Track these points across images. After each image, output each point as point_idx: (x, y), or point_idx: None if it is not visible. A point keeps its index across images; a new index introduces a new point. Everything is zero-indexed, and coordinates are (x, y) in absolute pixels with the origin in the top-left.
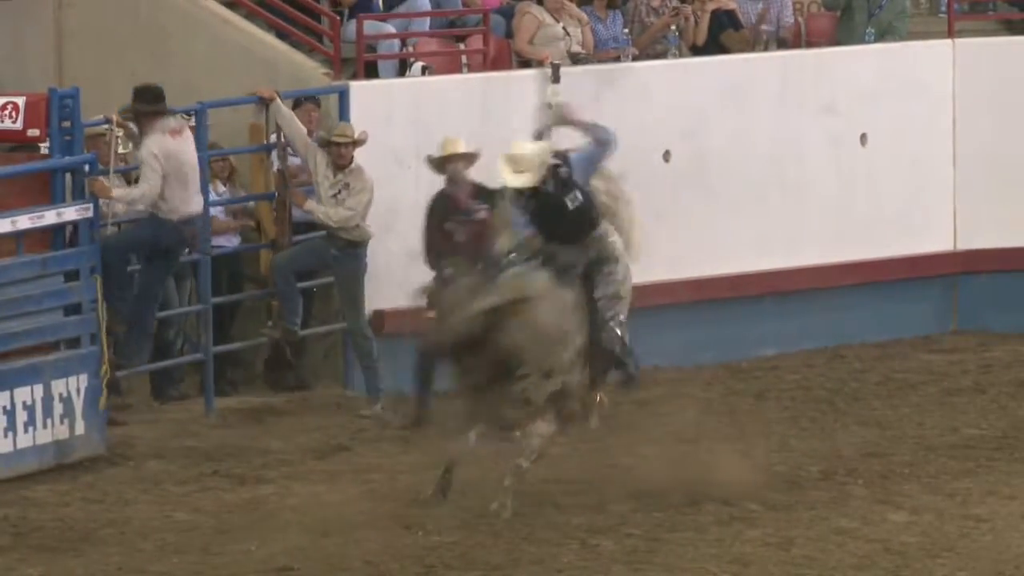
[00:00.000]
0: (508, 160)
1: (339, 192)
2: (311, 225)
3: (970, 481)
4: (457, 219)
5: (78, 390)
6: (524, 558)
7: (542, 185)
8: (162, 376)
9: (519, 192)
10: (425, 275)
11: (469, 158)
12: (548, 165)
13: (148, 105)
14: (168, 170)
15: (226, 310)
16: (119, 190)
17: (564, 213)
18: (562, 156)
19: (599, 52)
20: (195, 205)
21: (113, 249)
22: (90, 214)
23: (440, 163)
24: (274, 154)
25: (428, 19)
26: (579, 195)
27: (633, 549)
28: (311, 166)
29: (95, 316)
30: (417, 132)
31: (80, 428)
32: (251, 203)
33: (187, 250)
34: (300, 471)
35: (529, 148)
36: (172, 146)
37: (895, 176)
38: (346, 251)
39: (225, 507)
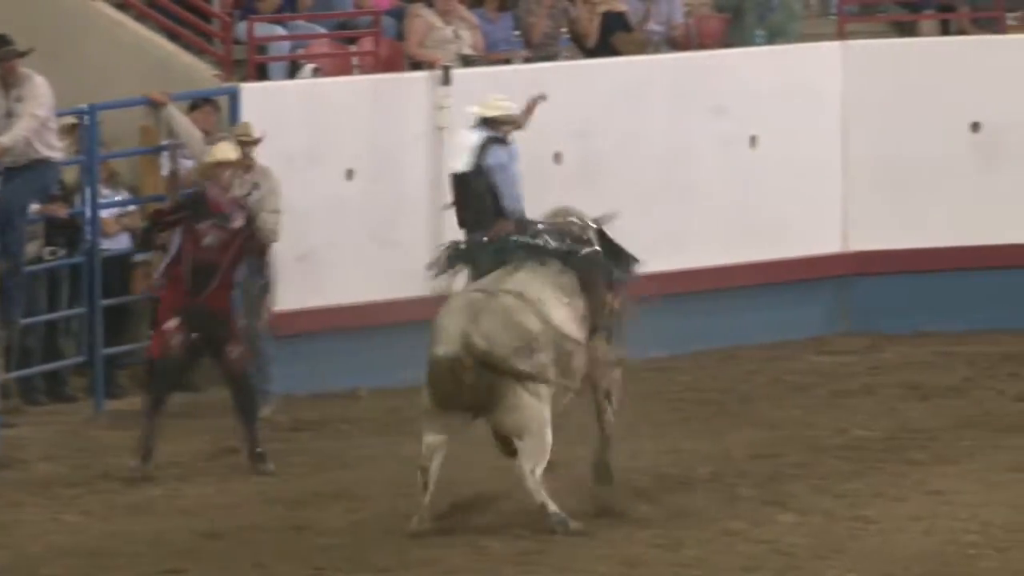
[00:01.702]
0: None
1: (248, 193)
2: None
3: (859, 482)
4: (213, 222)
5: None
6: (414, 560)
7: None
8: (49, 378)
9: None
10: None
11: (239, 166)
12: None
13: (13, 47)
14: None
15: (112, 312)
16: (5, 137)
17: None
18: None
19: (490, 54)
20: None
21: (20, 195)
22: None
23: (211, 168)
24: (165, 156)
25: (319, 21)
26: None
27: (523, 550)
28: None
29: None
30: (309, 134)
31: None
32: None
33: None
34: (190, 473)
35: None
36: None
37: (785, 178)
38: None
39: (115, 509)
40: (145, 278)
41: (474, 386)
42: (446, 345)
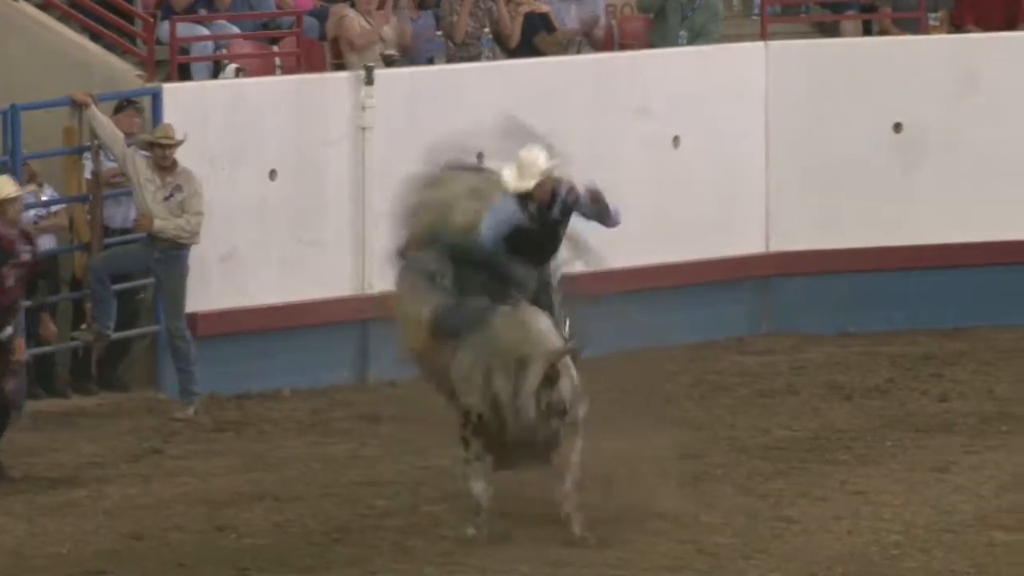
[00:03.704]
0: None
1: (171, 195)
2: (128, 228)
3: (782, 482)
4: (11, 263)
5: None
6: (338, 560)
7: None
8: None
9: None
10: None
11: (21, 200)
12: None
13: None
14: None
15: (31, 314)
16: None
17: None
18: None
19: (412, 54)
20: None
21: None
22: None
23: None
24: (88, 156)
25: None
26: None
27: (447, 551)
28: (130, 171)
29: None
30: (231, 134)
31: None
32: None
33: None
34: (113, 474)
35: (538, 155)
36: None
37: (708, 178)
38: (169, 253)
39: (37, 510)
40: None
41: None
42: None
